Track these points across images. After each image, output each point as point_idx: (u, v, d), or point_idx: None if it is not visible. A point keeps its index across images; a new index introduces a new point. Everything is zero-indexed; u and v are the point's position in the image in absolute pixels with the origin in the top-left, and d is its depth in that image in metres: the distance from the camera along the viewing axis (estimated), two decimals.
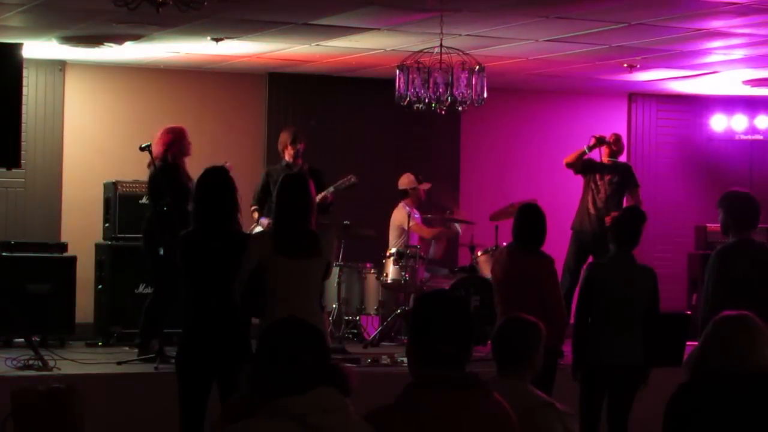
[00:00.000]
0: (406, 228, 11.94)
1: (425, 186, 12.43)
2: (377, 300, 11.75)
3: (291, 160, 10.92)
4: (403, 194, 12.35)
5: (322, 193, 10.60)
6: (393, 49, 11.36)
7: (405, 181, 12.38)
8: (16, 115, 9.58)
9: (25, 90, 10.51)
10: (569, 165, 11.94)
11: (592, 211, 11.84)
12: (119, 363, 9.48)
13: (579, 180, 12.11)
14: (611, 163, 11.98)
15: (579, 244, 11.83)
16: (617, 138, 12.10)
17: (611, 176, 11.87)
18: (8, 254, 11.00)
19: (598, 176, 11.89)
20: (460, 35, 10.52)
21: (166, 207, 9.54)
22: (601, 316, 7.68)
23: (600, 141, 11.91)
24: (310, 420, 3.48)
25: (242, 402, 4.55)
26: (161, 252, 9.73)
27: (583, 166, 11.94)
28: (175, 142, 10.27)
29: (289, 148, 10.94)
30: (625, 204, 11.71)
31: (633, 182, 11.97)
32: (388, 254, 11.71)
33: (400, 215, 12.22)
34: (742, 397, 4.23)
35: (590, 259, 11.61)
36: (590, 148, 11.87)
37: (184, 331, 7.12)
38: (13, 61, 9.62)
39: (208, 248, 6.90)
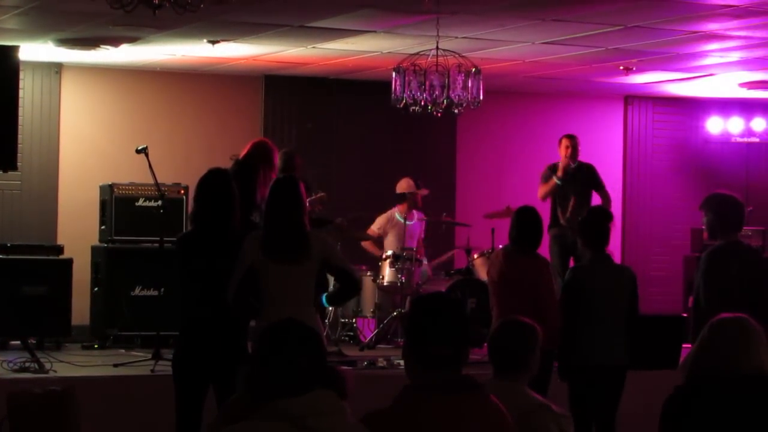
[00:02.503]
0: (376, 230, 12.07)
1: (423, 192, 12.30)
2: (373, 302, 11.74)
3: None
4: (400, 198, 12.24)
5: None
6: (389, 52, 11.37)
7: (404, 185, 12.25)
8: (12, 117, 9.58)
9: (21, 92, 10.47)
10: (544, 198, 11.87)
11: (562, 222, 11.82)
12: (115, 365, 9.47)
13: None
14: (573, 170, 11.82)
15: (560, 245, 11.80)
16: (569, 142, 11.89)
17: (575, 195, 11.76)
18: (4, 257, 10.98)
19: (562, 196, 11.85)
20: (456, 38, 10.52)
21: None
22: (585, 317, 7.69)
23: (566, 170, 11.76)
24: (308, 422, 3.48)
25: (240, 404, 4.56)
26: None
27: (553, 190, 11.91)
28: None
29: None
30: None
31: (596, 184, 11.91)
32: (384, 257, 11.69)
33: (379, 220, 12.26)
34: (738, 400, 4.23)
35: (572, 260, 11.63)
36: (561, 179, 11.78)
37: (181, 333, 7.12)
38: (10, 64, 9.62)
39: (206, 250, 6.90)
